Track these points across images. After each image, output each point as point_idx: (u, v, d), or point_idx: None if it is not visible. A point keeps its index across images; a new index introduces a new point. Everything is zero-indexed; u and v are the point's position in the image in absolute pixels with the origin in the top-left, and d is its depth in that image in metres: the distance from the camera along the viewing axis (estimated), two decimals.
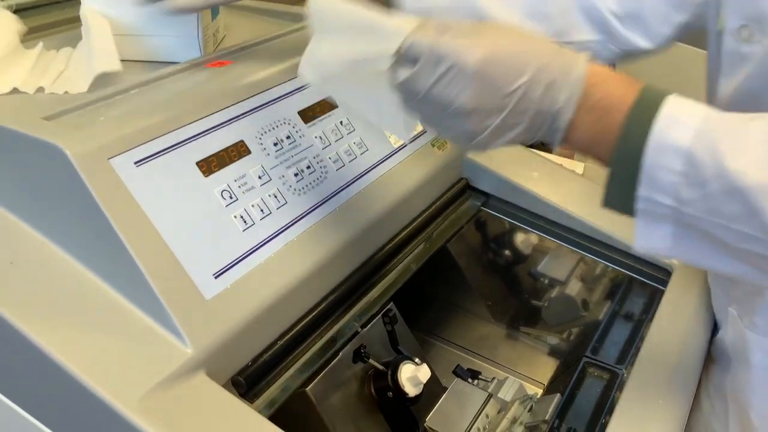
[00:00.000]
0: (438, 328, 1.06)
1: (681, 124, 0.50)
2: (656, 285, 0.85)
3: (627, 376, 0.76)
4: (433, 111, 0.52)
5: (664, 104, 0.50)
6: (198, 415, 0.51)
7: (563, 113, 0.51)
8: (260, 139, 0.66)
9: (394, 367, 0.81)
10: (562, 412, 0.80)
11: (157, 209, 0.56)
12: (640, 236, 0.54)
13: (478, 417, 0.77)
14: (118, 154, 0.56)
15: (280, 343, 0.62)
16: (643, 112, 0.50)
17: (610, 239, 0.87)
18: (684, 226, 0.52)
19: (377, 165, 0.77)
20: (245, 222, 0.61)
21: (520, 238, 1.03)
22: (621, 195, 0.53)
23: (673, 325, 0.79)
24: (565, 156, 1.31)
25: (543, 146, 1.47)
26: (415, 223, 0.83)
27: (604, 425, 0.69)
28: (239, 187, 0.62)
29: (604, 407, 0.81)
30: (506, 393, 0.83)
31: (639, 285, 0.88)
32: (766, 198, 0.47)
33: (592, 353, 0.90)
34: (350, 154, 0.74)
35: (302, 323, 0.65)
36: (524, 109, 0.51)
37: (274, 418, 0.63)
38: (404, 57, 0.51)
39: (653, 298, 0.86)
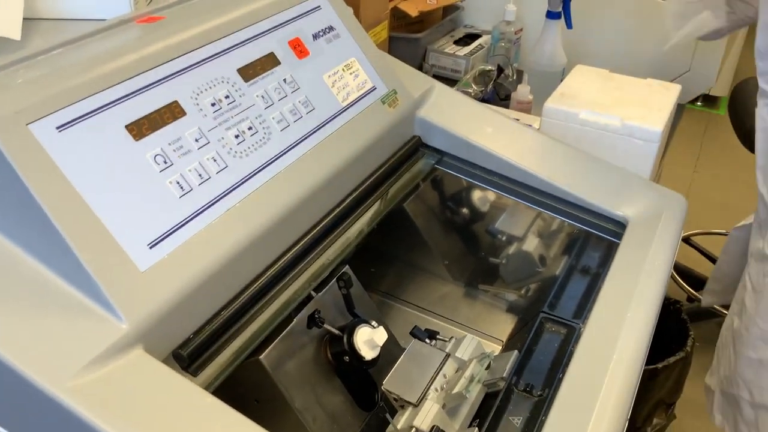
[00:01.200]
0: (396, 290, 1.05)
1: None
2: (611, 239, 0.85)
3: (584, 330, 0.75)
4: None
5: None
6: (136, 393, 0.49)
7: None
8: (196, 99, 0.63)
9: (350, 331, 0.79)
10: (519, 369, 0.80)
11: (84, 177, 0.53)
12: None
13: (435, 377, 0.76)
14: (38, 119, 0.52)
15: (223, 313, 0.60)
16: None
17: (566, 194, 0.86)
18: None
19: (325, 124, 0.74)
20: (182, 188, 0.58)
21: (476, 196, 1.02)
22: None
23: (628, 277, 0.79)
24: (522, 110, 1.29)
25: (500, 101, 1.45)
26: (367, 183, 0.80)
27: (561, 380, 0.68)
28: (174, 151, 0.59)
29: (561, 362, 0.81)
30: (464, 352, 0.82)
31: (595, 239, 0.88)
32: None
33: (549, 308, 0.90)
34: (295, 114, 0.71)
35: (248, 292, 0.62)
36: None
37: (222, 391, 0.61)
38: None
39: (609, 252, 0.85)
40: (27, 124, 0.51)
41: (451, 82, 1.53)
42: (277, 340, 0.76)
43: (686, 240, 2.24)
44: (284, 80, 0.72)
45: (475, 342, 0.84)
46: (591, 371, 0.65)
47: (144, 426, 0.47)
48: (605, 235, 0.86)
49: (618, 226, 0.85)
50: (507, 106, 1.38)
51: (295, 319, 0.77)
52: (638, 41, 1.52)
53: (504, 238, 1.01)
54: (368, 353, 0.79)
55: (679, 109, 1.42)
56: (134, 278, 0.52)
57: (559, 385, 0.66)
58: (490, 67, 1.49)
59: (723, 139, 3.03)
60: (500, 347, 0.96)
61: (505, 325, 0.98)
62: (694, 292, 2.10)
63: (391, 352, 0.82)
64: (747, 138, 1.75)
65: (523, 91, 1.31)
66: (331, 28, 0.81)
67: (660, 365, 1.43)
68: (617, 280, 0.78)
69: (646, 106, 1.08)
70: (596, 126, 1.06)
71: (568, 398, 0.63)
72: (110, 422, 0.46)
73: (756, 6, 1.00)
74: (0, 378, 0.47)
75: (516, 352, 0.82)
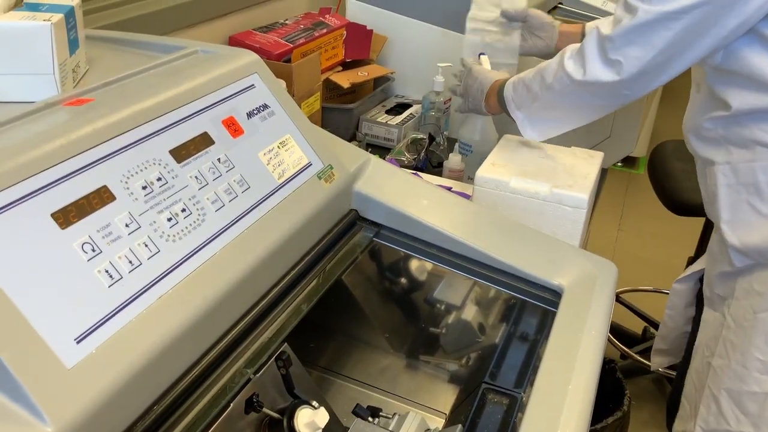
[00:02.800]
0: (336, 364, 1.03)
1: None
2: (547, 307, 0.86)
3: (526, 399, 0.75)
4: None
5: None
6: None
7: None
8: (126, 183, 0.61)
9: (291, 414, 0.77)
10: None
11: (5, 270, 0.50)
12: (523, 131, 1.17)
13: None
14: None
15: (156, 408, 0.57)
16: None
17: (501, 264, 0.87)
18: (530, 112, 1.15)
19: (261, 202, 0.73)
20: (111, 277, 0.56)
21: (414, 266, 1.02)
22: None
23: (567, 344, 0.80)
24: (454, 179, 1.32)
25: (433, 168, 1.48)
26: (305, 260, 0.79)
27: None
28: (103, 238, 0.57)
29: None
30: (408, 429, 0.80)
31: (532, 307, 0.89)
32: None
33: (490, 378, 0.90)
34: (230, 193, 0.70)
35: (182, 383, 0.60)
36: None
37: None
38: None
39: (545, 319, 0.86)
40: None
41: (384, 150, 1.55)
42: (212, 428, 0.72)
43: (615, 297, 2.30)
44: (218, 159, 0.71)
45: (418, 418, 0.82)
46: None
47: None
48: (541, 304, 0.87)
49: (553, 295, 0.86)
50: (440, 174, 1.40)
51: (232, 405, 0.74)
52: None
53: (443, 308, 1.01)
54: None
55: (603, 172, 1.48)
56: (60, 376, 0.49)
57: None
58: (421, 136, 1.53)
59: (643, 197, 3.17)
60: (444, 420, 0.95)
61: (448, 396, 0.98)
62: (626, 349, 2.14)
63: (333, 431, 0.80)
64: (666, 196, 1.85)
65: (454, 160, 1.34)
66: (265, 106, 0.81)
67: (599, 426, 1.44)
68: (557, 347, 0.79)
69: (573, 174, 1.12)
70: (526, 194, 1.09)
71: None
72: None
73: (545, 39, 1.39)
74: None
75: (460, 426, 0.81)
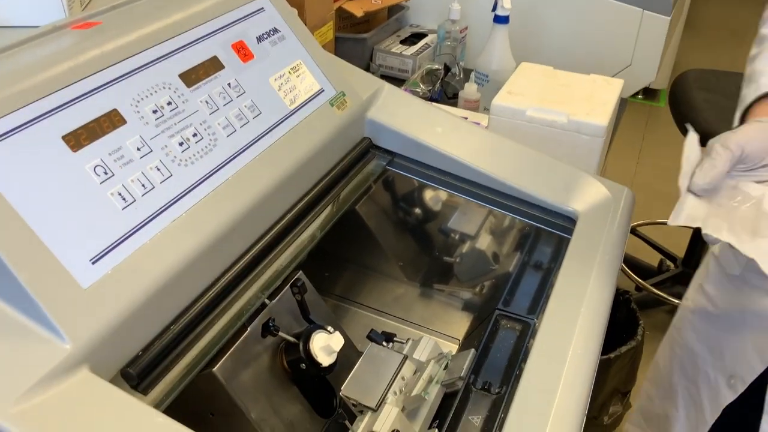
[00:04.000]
0: (351, 293, 1.04)
1: None
2: (562, 234, 0.85)
3: (538, 325, 0.76)
4: None
5: None
6: (83, 416, 0.47)
7: None
8: (136, 106, 0.60)
9: (306, 338, 0.78)
10: (477, 367, 0.80)
11: (19, 192, 0.50)
12: None
13: (394, 380, 0.75)
14: None
15: (173, 328, 0.58)
16: None
17: (516, 191, 0.87)
18: None
19: (273, 128, 0.73)
20: (124, 200, 0.56)
21: (428, 196, 1.02)
22: None
23: (580, 271, 0.80)
24: (470, 109, 1.30)
25: (448, 99, 1.46)
26: (318, 186, 0.79)
27: (518, 376, 0.69)
28: (115, 161, 0.57)
29: (518, 359, 0.81)
30: (421, 353, 0.81)
31: (546, 235, 0.89)
32: None
33: (503, 305, 0.90)
34: (242, 119, 0.70)
35: (198, 304, 0.61)
36: None
37: (175, 407, 0.59)
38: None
39: (560, 247, 0.86)
40: None
41: (398, 81, 1.53)
42: (230, 351, 0.74)
43: (632, 230, 2.30)
44: (229, 84, 0.70)
45: (432, 343, 0.83)
46: (548, 366, 0.65)
47: None
48: (556, 231, 0.87)
49: (568, 221, 0.86)
50: (455, 105, 1.38)
51: (249, 329, 0.76)
52: (581, 38, 1.55)
53: (457, 237, 1.01)
54: (325, 359, 0.78)
55: (622, 103, 1.45)
56: (77, 296, 0.50)
57: (517, 382, 0.66)
58: (437, 66, 1.50)
59: (664, 131, 3.12)
60: (457, 346, 0.96)
61: (461, 323, 0.99)
62: (642, 281, 2.15)
63: (348, 357, 0.82)
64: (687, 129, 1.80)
65: (470, 90, 1.32)
66: (275, 30, 0.79)
67: (612, 355, 1.46)
68: (570, 274, 0.79)
69: (591, 102, 1.10)
70: (543, 122, 1.07)
71: (526, 395, 0.63)
72: None
73: None
74: None
75: (473, 350, 0.82)
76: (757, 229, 0.67)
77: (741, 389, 0.87)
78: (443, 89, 1.48)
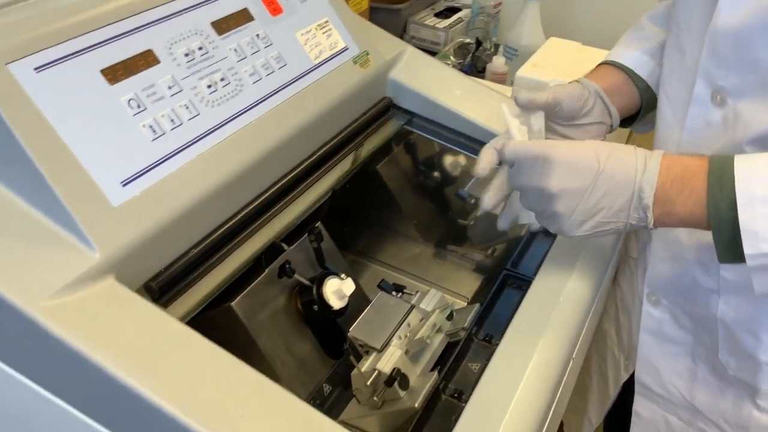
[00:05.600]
0: (368, 250, 1.08)
1: (757, 177, 0.56)
2: None
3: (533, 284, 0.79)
4: (531, 198, 0.65)
5: (735, 164, 0.57)
6: (108, 317, 0.52)
7: (647, 187, 0.59)
8: (170, 48, 0.65)
9: (320, 282, 0.83)
10: (480, 321, 0.84)
11: (60, 116, 0.55)
12: (760, 286, 0.58)
13: (400, 326, 0.80)
14: (17, 60, 0.55)
15: (194, 251, 0.63)
16: (721, 174, 0.57)
17: None
18: None
19: (297, 80, 0.77)
20: (154, 132, 0.61)
21: (447, 160, 1.05)
22: (731, 255, 0.58)
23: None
24: (497, 81, 1.33)
25: (478, 73, 1.49)
26: (338, 138, 0.83)
27: (509, 326, 0.72)
28: (148, 96, 0.62)
29: None
30: (428, 303, 0.86)
31: None
32: None
33: (512, 267, 0.93)
34: (268, 68, 0.74)
35: (217, 233, 0.66)
36: (607, 187, 0.60)
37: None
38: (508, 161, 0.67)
39: None
40: (6, 64, 0.54)
41: (430, 54, 1.55)
42: (248, 288, 0.79)
43: None
44: (257, 35, 0.74)
45: (439, 295, 0.87)
46: (537, 315, 0.69)
47: (115, 344, 0.50)
48: None
49: None
50: (483, 78, 1.41)
51: (267, 269, 0.81)
52: (613, 16, 1.55)
53: (473, 201, 1.05)
54: (336, 303, 0.83)
55: None
56: (107, 212, 0.55)
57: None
58: (468, 40, 1.52)
59: None
60: (465, 303, 1.00)
61: (471, 283, 1.02)
62: None
63: (359, 304, 0.86)
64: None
65: (498, 63, 1.34)
66: None
67: None
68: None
69: None
70: None
71: (511, 343, 0.67)
72: (81, 340, 0.49)
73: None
74: None
75: (478, 305, 0.85)
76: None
77: (632, 369, 0.91)
78: (473, 63, 1.50)
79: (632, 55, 0.85)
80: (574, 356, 0.70)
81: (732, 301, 0.73)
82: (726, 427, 0.81)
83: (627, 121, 0.87)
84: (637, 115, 0.86)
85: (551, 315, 0.69)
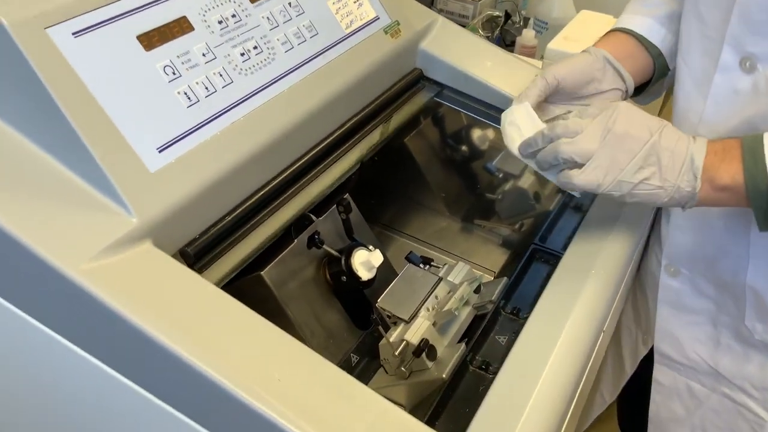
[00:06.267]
0: (396, 222, 1.09)
1: None
2: None
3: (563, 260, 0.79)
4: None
5: (765, 142, 0.61)
6: (146, 279, 0.53)
7: (697, 156, 0.62)
8: (204, 16, 0.65)
9: (348, 253, 0.83)
10: (508, 294, 0.84)
11: (97, 81, 0.56)
12: None
13: (427, 298, 0.80)
14: (56, 24, 0.55)
15: (228, 218, 0.63)
16: (754, 152, 0.62)
17: None
18: None
19: (328, 49, 0.77)
20: (189, 99, 0.61)
21: (476, 133, 1.04)
22: None
23: (610, 211, 0.83)
24: (526, 55, 1.31)
25: (506, 46, 1.47)
26: (369, 108, 0.83)
27: (539, 299, 0.72)
28: (182, 63, 0.62)
29: None
30: (456, 276, 0.86)
31: None
32: None
33: (540, 241, 0.93)
34: (299, 37, 0.74)
35: (251, 200, 0.66)
36: (660, 149, 0.63)
37: None
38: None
39: None
40: (45, 28, 0.54)
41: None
42: (278, 257, 0.80)
43: None
44: (289, 4, 0.74)
45: (467, 268, 0.87)
46: (567, 288, 0.69)
47: (153, 307, 0.51)
48: None
49: None
50: (512, 51, 1.39)
51: (296, 240, 0.81)
52: None
53: (501, 175, 1.04)
54: (365, 274, 0.83)
55: None
56: (144, 178, 0.56)
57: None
58: (497, 13, 1.50)
59: None
60: (492, 277, 1.00)
61: (499, 257, 1.02)
62: None
63: (387, 276, 0.86)
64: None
65: (528, 36, 1.32)
66: None
67: None
68: (600, 212, 0.82)
69: None
70: None
71: (542, 314, 0.67)
72: (120, 302, 0.50)
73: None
74: (17, 259, 0.51)
75: (505, 278, 0.85)
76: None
77: (651, 343, 0.91)
78: (502, 37, 1.48)
79: (642, 21, 0.83)
80: (605, 329, 0.69)
81: (762, 266, 0.74)
82: (752, 391, 0.81)
83: (637, 90, 0.85)
84: (648, 83, 0.85)
85: (583, 287, 0.69)
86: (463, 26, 1.52)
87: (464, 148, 1.05)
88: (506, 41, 1.46)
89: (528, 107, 0.74)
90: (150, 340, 0.49)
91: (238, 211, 0.65)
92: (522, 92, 0.76)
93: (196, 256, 0.60)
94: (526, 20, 1.49)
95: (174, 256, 0.59)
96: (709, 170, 0.62)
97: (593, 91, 0.79)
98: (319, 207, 0.84)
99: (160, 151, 0.58)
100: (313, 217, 0.83)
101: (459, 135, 1.04)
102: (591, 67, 0.79)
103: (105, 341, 0.53)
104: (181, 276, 0.54)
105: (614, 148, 0.63)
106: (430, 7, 1.59)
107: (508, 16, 1.49)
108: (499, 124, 0.92)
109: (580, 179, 0.65)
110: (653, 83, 0.85)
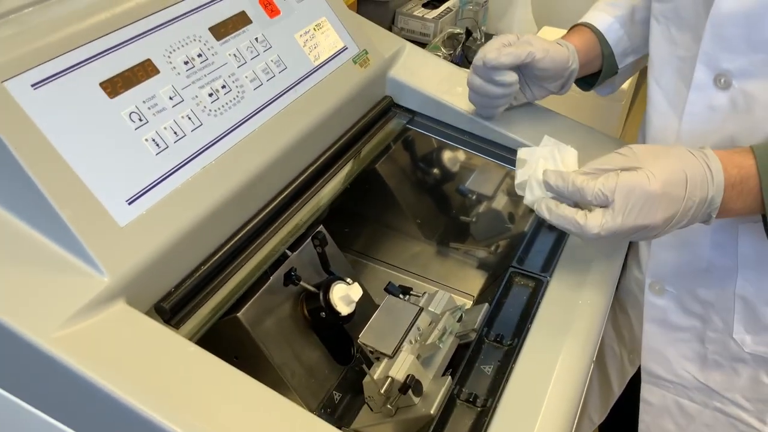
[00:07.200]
0: (370, 249, 1.07)
1: None
2: None
3: (551, 282, 0.78)
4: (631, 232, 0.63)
5: None
6: (121, 343, 0.50)
7: (717, 197, 0.62)
8: (169, 57, 0.63)
9: (326, 288, 0.81)
10: (490, 321, 0.83)
11: (60, 134, 0.53)
12: None
13: (410, 330, 0.78)
14: (13, 77, 0.52)
15: (203, 268, 0.61)
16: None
17: None
18: None
19: (298, 83, 0.75)
20: (158, 145, 0.59)
21: (447, 156, 1.04)
22: None
23: None
24: None
25: (469, 64, 1.47)
26: (340, 142, 0.81)
27: (530, 330, 0.71)
28: (149, 108, 0.59)
29: (530, 313, 0.84)
30: (437, 306, 0.84)
31: None
32: None
33: (518, 263, 0.92)
34: (268, 73, 0.72)
35: (226, 247, 0.64)
36: (690, 205, 0.62)
37: (201, 344, 0.63)
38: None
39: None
40: (2, 82, 0.51)
41: (419, 45, 1.53)
42: (254, 297, 0.77)
43: None
44: (256, 39, 0.72)
45: (447, 296, 0.86)
46: (558, 318, 0.68)
47: (130, 373, 0.48)
48: None
49: None
50: None
51: (272, 278, 0.79)
52: None
53: (474, 197, 1.04)
54: (344, 309, 0.81)
55: (642, 71, 1.45)
56: (114, 233, 0.53)
57: (527, 335, 0.69)
58: (458, 31, 1.51)
59: None
60: (471, 301, 0.99)
61: (476, 280, 1.01)
62: None
63: (366, 308, 0.85)
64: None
65: None
66: None
67: None
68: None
69: None
70: None
71: (535, 345, 0.66)
72: (96, 370, 0.47)
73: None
74: None
75: (486, 304, 0.84)
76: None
77: (638, 363, 0.92)
78: (464, 54, 1.48)
79: (605, 20, 0.89)
80: (594, 358, 0.69)
81: (751, 276, 0.75)
82: (744, 404, 0.82)
83: (585, 82, 0.93)
84: (592, 78, 0.91)
85: (573, 318, 0.68)
86: (425, 45, 1.51)
87: (436, 171, 1.05)
88: (468, 58, 1.46)
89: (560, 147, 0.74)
90: (127, 408, 0.47)
91: (213, 259, 0.62)
92: (495, 50, 0.83)
93: (172, 310, 0.57)
94: (487, 36, 1.49)
95: (149, 312, 0.56)
96: (724, 204, 0.63)
97: (551, 80, 0.87)
98: (292, 239, 0.82)
99: (129, 203, 0.55)
100: (288, 252, 0.81)
101: (431, 158, 1.03)
102: (565, 64, 0.85)
103: (82, 412, 0.50)
104: (156, 336, 0.52)
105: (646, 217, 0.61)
106: (390, 27, 1.59)
107: (469, 33, 1.49)
108: (472, 149, 0.92)
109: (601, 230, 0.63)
110: (601, 80, 0.91)
